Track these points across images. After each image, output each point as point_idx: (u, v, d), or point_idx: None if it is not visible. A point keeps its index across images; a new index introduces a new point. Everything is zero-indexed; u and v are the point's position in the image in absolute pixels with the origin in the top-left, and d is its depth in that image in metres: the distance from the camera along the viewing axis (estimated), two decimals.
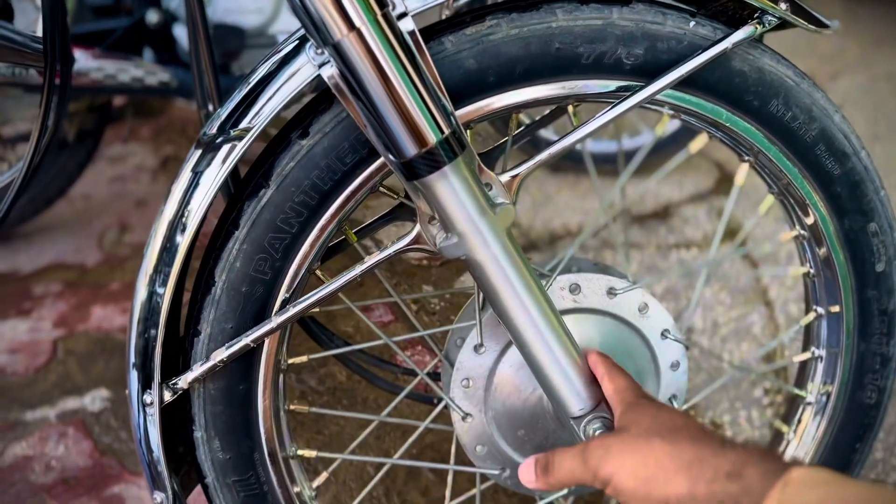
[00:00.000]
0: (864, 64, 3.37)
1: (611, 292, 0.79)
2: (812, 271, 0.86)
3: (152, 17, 1.72)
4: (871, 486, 0.48)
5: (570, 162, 2.21)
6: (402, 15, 0.62)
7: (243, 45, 1.70)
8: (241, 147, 0.68)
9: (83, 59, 1.60)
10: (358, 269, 0.72)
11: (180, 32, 1.72)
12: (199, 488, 0.80)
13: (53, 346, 1.58)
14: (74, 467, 1.29)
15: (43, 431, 1.37)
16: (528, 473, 0.69)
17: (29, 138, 1.83)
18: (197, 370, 0.72)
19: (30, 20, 1.80)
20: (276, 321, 0.71)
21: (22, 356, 1.55)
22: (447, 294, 1.57)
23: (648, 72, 0.70)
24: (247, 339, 0.71)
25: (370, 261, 0.72)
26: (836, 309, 0.85)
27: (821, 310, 0.87)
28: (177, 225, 0.70)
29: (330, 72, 0.63)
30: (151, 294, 0.71)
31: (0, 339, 1.60)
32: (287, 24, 1.75)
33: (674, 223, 2.06)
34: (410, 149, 0.62)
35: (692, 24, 0.70)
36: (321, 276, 0.77)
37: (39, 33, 0.82)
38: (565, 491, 0.85)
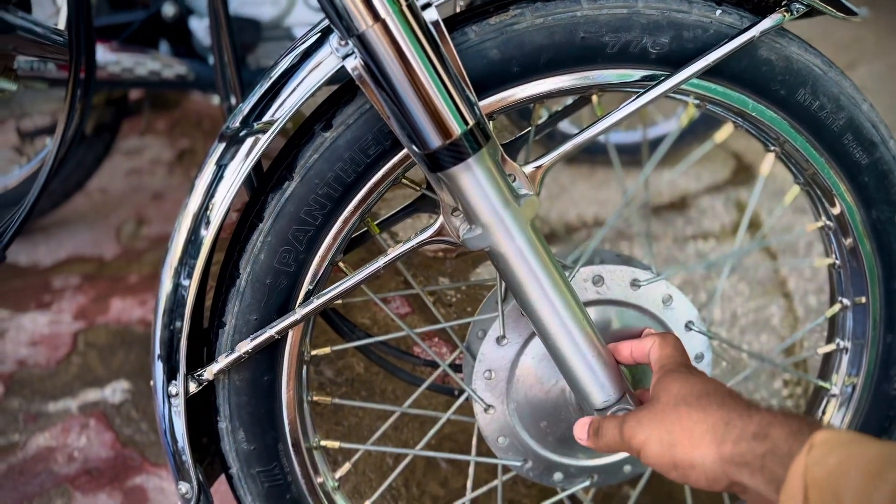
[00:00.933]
0: (880, 52, 3.33)
1: (634, 284, 0.78)
2: (838, 262, 0.85)
3: (168, 9, 1.72)
4: (891, 444, 0.49)
5: (585, 153, 2.20)
6: (427, 5, 0.62)
7: (259, 37, 1.70)
8: (264, 140, 0.68)
9: (100, 53, 1.61)
10: (381, 261, 0.72)
11: (196, 25, 1.72)
12: (222, 479, 0.80)
13: (74, 338, 1.59)
14: (96, 458, 1.30)
15: (65, 423, 1.38)
16: (581, 431, 0.72)
17: (47, 132, 1.84)
18: (222, 361, 0.72)
19: (46, 14, 1.81)
20: (300, 313, 0.71)
21: (43, 348, 1.57)
22: (464, 286, 1.57)
23: (674, 61, 0.70)
24: (271, 331, 0.71)
25: (393, 252, 0.72)
26: (862, 300, 0.84)
27: (846, 301, 0.86)
28: (201, 218, 0.70)
29: (354, 63, 0.63)
30: (176, 286, 0.72)
31: (21, 331, 1.62)
32: (302, 17, 1.74)
33: (691, 214, 2.05)
34: (435, 140, 0.62)
35: (718, 12, 0.69)
36: (344, 269, 0.77)
37: (60, 26, 0.82)
38: (587, 482, 0.85)
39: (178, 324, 0.72)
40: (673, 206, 2.09)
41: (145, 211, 2.07)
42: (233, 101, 0.83)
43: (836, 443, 0.50)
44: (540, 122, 0.85)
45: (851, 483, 0.47)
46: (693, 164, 2.26)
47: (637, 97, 0.70)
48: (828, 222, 0.83)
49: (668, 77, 0.69)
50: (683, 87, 0.70)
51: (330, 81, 0.68)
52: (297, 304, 0.73)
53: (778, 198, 2.07)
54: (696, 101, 0.73)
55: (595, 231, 1.96)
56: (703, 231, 1.97)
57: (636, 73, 0.70)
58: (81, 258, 1.88)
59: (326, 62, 0.67)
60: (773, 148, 0.78)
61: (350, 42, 0.61)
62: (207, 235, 0.70)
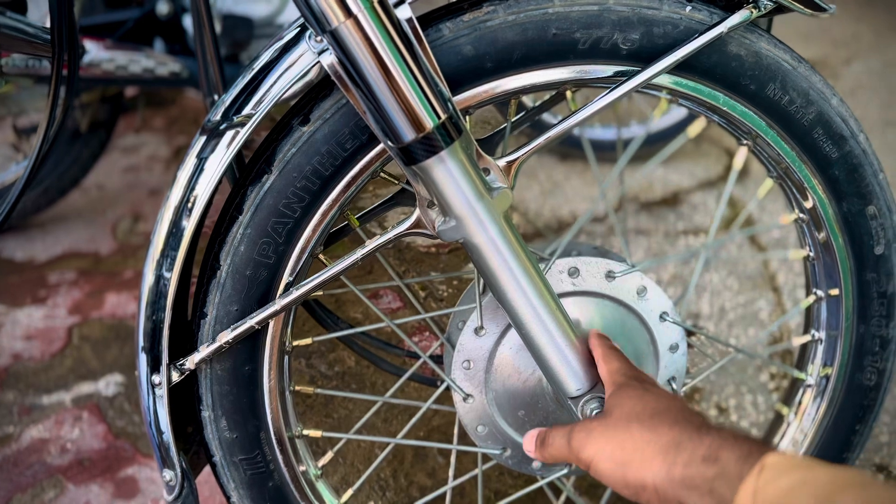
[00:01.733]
0: (878, 49, 3.34)
1: (609, 275, 0.80)
2: (812, 255, 0.86)
3: (162, 7, 1.73)
4: (843, 469, 0.49)
5: (578, 150, 2.22)
6: (400, 2, 0.63)
7: (252, 35, 1.71)
8: (244, 133, 0.70)
9: (95, 50, 1.62)
10: (359, 253, 0.73)
11: (190, 23, 1.74)
12: (209, 470, 0.82)
13: (68, 332, 1.61)
14: (89, 449, 1.32)
15: (58, 415, 1.40)
16: (529, 443, 0.73)
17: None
18: (203, 351, 0.73)
19: (42, 13, 1.83)
20: (279, 304, 0.73)
21: (38, 342, 1.59)
22: (453, 280, 1.58)
23: (645, 56, 0.71)
24: (251, 321, 0.73)
25: (371, 244, 0.73)
26: (835, 292, 0.85)
27: (820, 293, 0.87)
28: (182, 210, 0.72)
29: (329, 59, 0.64)
30: (159, 278, 0.73)
31: (16, 325, 1.64)
32: (295, 15, 1.76)
33: (683, 210, 2.06)
34: (408, 134, 0.63)
35: (688, 8, 0.71)
36: (324, 260, 0.79)
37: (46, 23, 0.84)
38: (566, 470, 0.87)
39: (160, 315, 0.74)
40: (665, 201, 2.10)
41: (141, 207, 2.09)
42: (216, 96, 0.84)
43: (787, 466, 0.50)
44: (516, 118, 0.87)
45: None
46: (686, 161, 2.28)
47: (609, 92, 0.71)
48: (801, 215, 0.84)
49: (638, 72, 0.70)
50: (656, 82, 0.72)
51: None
52: (278, 295, 0.74)
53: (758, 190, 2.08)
54: (668, 96, 0.75)
55: (587, 226, 1.97)
56: (694, 226, 1.98)
57: (608, 69, 0.72)
58: (77, 254, 1.90)
59: (304, 57, 0.68)
60: (745, 142, 0.80)
61: (324, 38, 0.62)
62: (188, 227, 0.72)
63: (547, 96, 0.87)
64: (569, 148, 2.22)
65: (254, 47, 1.75)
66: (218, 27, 1.68)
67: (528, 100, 1.78)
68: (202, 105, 2.55)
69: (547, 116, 1.83)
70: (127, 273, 1.80)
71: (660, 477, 0.57)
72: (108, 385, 1.46)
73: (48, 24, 0.83)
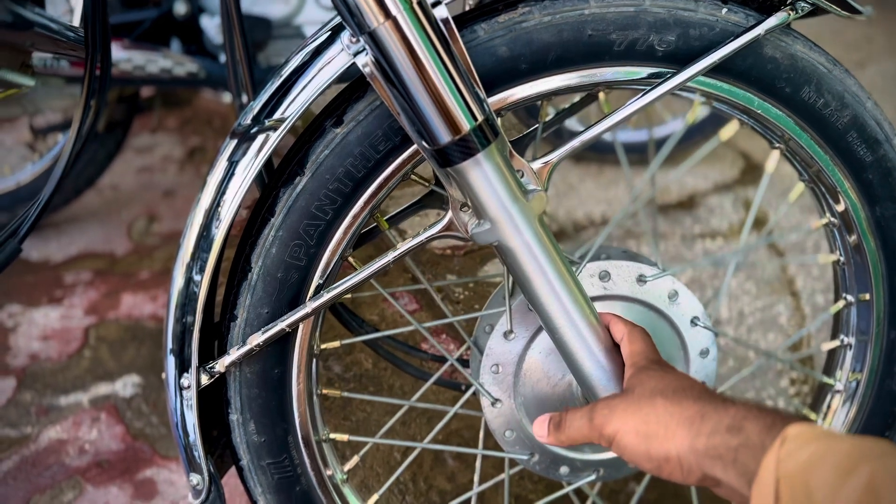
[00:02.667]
0: (891, 52, 3.32)
1: (640, 279, 0.79)
2: (842, 259, 0.85)
3: (180, 8, 1.73)
4: (862, 439, 0.50)
5: (592, 152, 2.21)
6: (436, 3, 0.63)
7: (270, 35, 1.71)
8: (275, 137, 0.69)
9: (112, 50, 1.62)
10: (391, 256, 0.73)
11: (207, 23, 1.74)
12: (232, 471, 0.82)
13: (85, 333, 1.61)
14: (107, 451, 1.32)
15: (76, 416, 1.40)
16: (541, 429, 0.72)
17: (60, 128, 1.85)
18: (234, 354, 0.73)
19: (60, 11, 1.83)
20: (310, 306, 0.72)
21: (55, 343, 1.59)
22: (471, 283, 1.58)
23: (680, 58, 0.71)
24: (282, 324, 0.72)
25: (403, 247, 0.73)
26: (866, 297, 0.84)
27: (851, 297, 0.86)
28: (213, 214, 0.72)
29: (365, 60, 0.64)
30: (188, 281, 0.73)
31: (33, 326, 1.64)
32: (312, 15, 1.76)
33: (699, 213, 2.05)
34: (444, 136, 0.63)
35: (724, 10, 0.70)
36: (353, 263, 0.78)
37: (74, 23, 0.84)
38: (592, 476, 0.86)
39: (189, 318, 0.73)
40: (681, 204, 2.09)
41: (156, 208, 2.09)
42: (244, 98, 0.84)
43: (809, 437, 0.51)
44: (547, 119, 0.86)
45: (822, 476, 0.47)
46: (701, 164, 2.27)
47: (643, 94, 0.70)
48: (832, 219, 0.83)
49: (674, 74, 0.70)
50: (689, 84, 0.71)
51: (339, 80, 0.69)
52: (308, 297, 0.74)
53: (785, 196, 2.07)
54: (702, 99, 0.74)
55: (602, 229, 1.97)
56: (710, 230, 1.97)
57: (643, 71, 0.71)
58: (93, 254, 1.90)
59: (337, 59, 0.68)
60: (778, 145, 0.79)
61: (361, 39, 0.62)
62: (219, 231, 0.71)
63: (577, 98, 0.86)
64: (583, 150, 2.21)
65: (271, 48, 1.75)
66: None
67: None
68: (216, 106, 2.56)
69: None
70: (143, 274, 1.80)
71: (684, 447, 0.57)
72: (126, 386, 1.46)
73: (74, 23, 0.82)
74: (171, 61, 1.68)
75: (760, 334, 1.60)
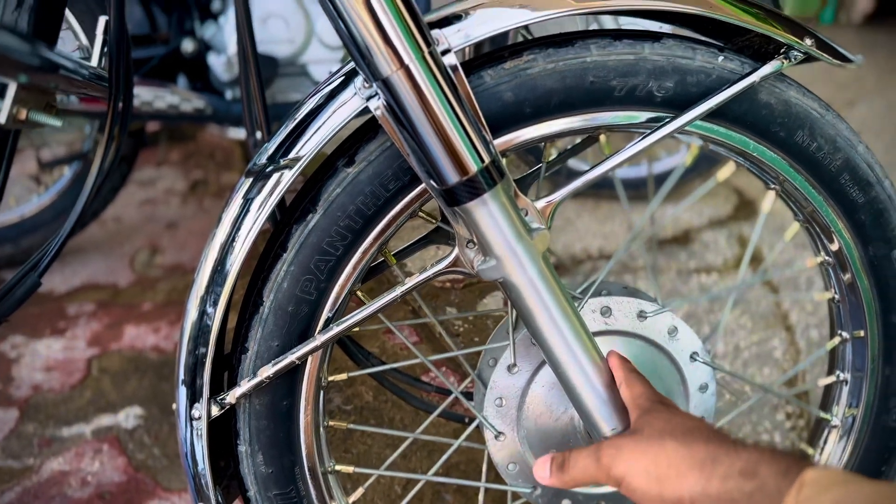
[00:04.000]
0: (881, 91, 3.38)
1: (641, 315, 0.81)
2: (837, 297, 0.88)
3: (188, 45, 1.77)
4: (884, 484, 0.48)
5: (590, 187, 2.25)
6: (446, 51, 0.66)
7: (276, 73, 1.75)
8: (289, 176, 0.72)
9: None
10: (399, 291, 0.75)
11: (214, 61, 1.78)
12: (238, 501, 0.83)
13: (88, 364, 1.62)
14: (109, 483, 1.32)
15: (79, 447, 1.40)
16: (542, 470, 0.70)
17: (65, 161, 1.87)
18: (245, 385, 0.75)
19: (69, 49, 1.87)
20: (320, 339, 0.74)
21: (57, 374, 1.59)
22: (471, 316, 1.60)
23: (678, 104, 0.74)
24: (292, 357, 0.74)
25: (410, 282, 0.75)
26: (860, 333, 0.87)
27: (846, 334, 0.89)
28: (228, 249, 0.74)
29: (377, 104, 0.67)
30: (202, 314, 0.75)
31: (36, 357, 1.65)
32: (317, 55, 1.80)
33: (694, 248, 2.08)
34: (452, 177, 0.65)
35: (720, 58, 0.73)
36: (361, 297, 0.80)
37: (92, 62, 0.86)
38: None
39: (202, 349, 0.75)
40: (676, 240, 2.13)
41: (159, 240, 2.11)
42: (258, 136, 0.87)
43: (828, 482, 0.50)
44: (550, 159, 0.89)
45: None
46: (696, 200, 2.30)
47: (643, 138, 0.73)
48: (827, 258, 0.86)
49: (672, 119, 0.73)
50: (687, 128, 0.74)
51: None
52: (317, 330, 0.76)
53: (779, 234, 2.10)
54: (700, 142, 0.77)
55: (599, 263, 1.99)
56: (706, 265, 2.00)
57: (642, 115, 0.74)
58: (96, 286, 1.91)
59: (350, 103, 0.71)
60: (773, 186, 0.82)
61: (375, 85, 0.64)
62: (233, 265, 0.73)
63: (579, 139, 0.89)
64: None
65: (277, 85, 1.79)
66: None
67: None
68: (219, 140, 2.60)
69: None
70: (145, 305, 1.82)
71: (696, 491, 0.56)
72: (128, 418, 1.47)
73: (92, 61, 0.85)
74: (178, 97, 1.72)
75: (756, 368, 1.62)
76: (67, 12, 1.73)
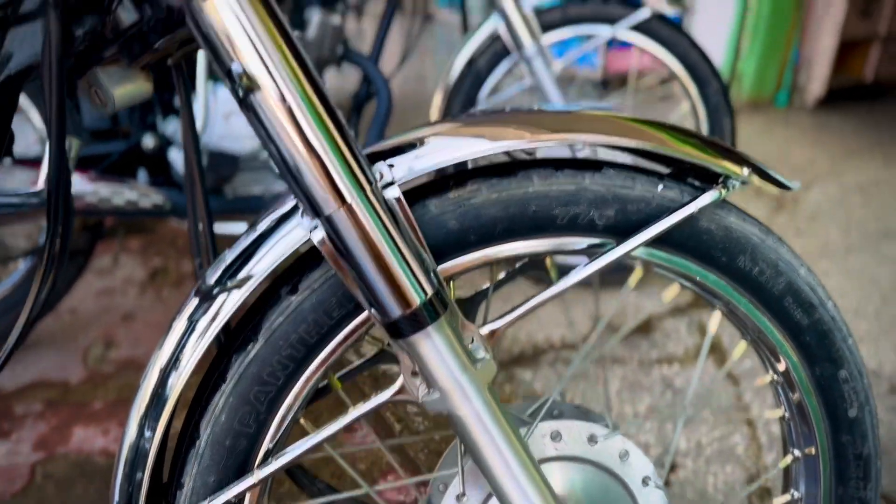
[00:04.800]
0: (834, 175, 3.49)
1: (592, 439, 0.80)
2: (787, 415, 0.88)
3: (149, 141, 1.78)
4: None
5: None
6: (389, 184, 0.66)
7: (237, 168, 1.76)
8: (238, 298, 0.71)
9: (79, 183, 1.65)
10: (342, 421, 0.73)
11: (175, 156, 1.78)
12: None
13: (31, 469, 1.55)
14: None
15: None
16: None
17: (20, 256, 1.83)
18: None
19: (28, 141, 1.86)
20: (258, 476, 0.72)
21: None
22: (430, 437, 1.57)
23: (620, 231, 0.75)
24: (228, 495, 0.71)
25: (355, 412, 0.73)
26: (811, 451, 0.86)
27: (798, 452, 0.88)
28: (169, 371, 0.72)
29: (320, 236, 0.66)
30: (139, 437, 0.72)
31: None
32: None
33: (655, 337, 2.08)
34: (395, 310, 0.65)
35: (660, 187, 0.75)
36: (304, 425, 0.78)
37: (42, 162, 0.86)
38: None
39: (138, 475, 0.72)
40: (638, 329, 2.13)
41: (114, 332, 2.07)
42: (202, 261, 0.86)
43: None
44: (498, 279, 0.89)
45: None
46: (657, 287, 2.32)
47: (587, 264, 0.74)
48: (776, 377, 0.86)
49: (614, 246, 0.73)
50: (632, 253, 0.75)
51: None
52: (256, 464, 0.73)
53: (733, 352, 2.11)
54: (642, 267, 0.78)
55: (562, 353, 1.98)
56: (667, 354, 2.00)
57: (584, 241, 0.75)
58: (46, 382, 1.85)
59: (297, 230, 0.71)
60: (719, 307, 0.82)
61: (316, 220, 0.64)
62: (173, 390, 0.71)
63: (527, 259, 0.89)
64: (543, 273, 2.26)
65: (238, 179, 1.79)
66: (204, 161, 1.72)
67: None
68: (181, 228, 2.58)
69: None
70: (96, 404, 1.76)
71: None
72: None
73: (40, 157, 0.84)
74: (137, 193, 1.71)
75: (719, 466, 1.60)
76: (25, 100, 1.72)
